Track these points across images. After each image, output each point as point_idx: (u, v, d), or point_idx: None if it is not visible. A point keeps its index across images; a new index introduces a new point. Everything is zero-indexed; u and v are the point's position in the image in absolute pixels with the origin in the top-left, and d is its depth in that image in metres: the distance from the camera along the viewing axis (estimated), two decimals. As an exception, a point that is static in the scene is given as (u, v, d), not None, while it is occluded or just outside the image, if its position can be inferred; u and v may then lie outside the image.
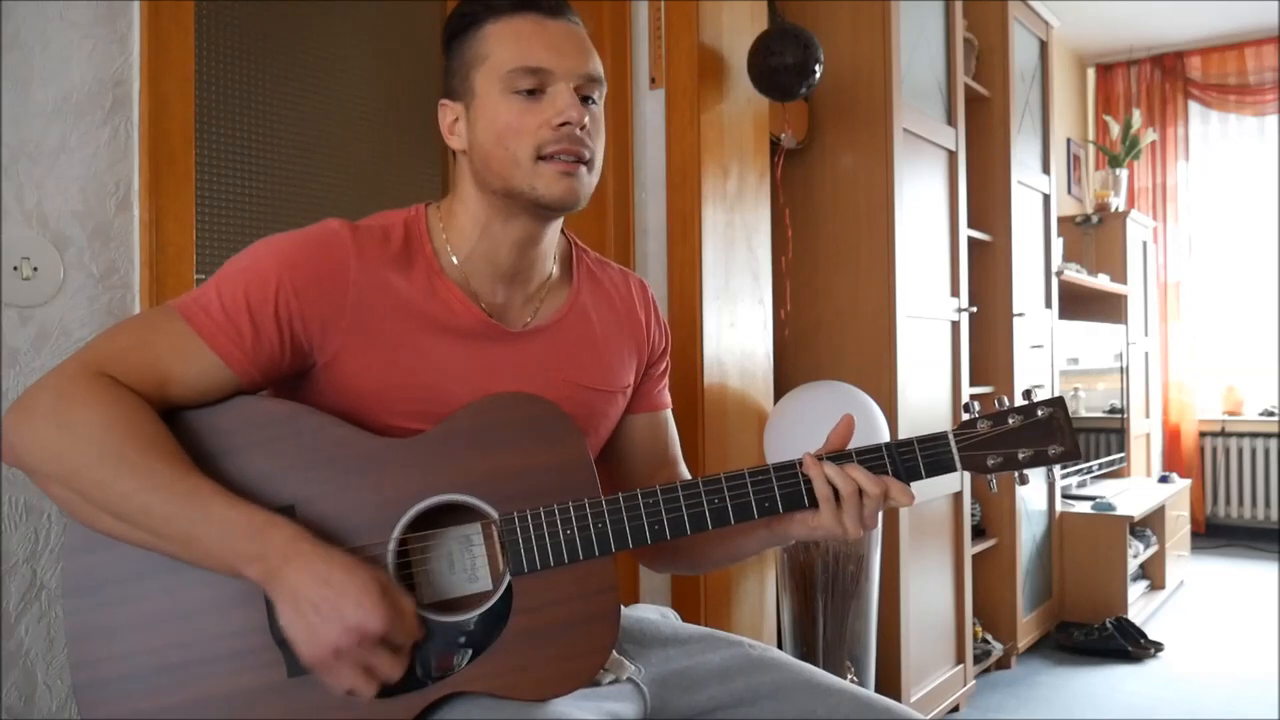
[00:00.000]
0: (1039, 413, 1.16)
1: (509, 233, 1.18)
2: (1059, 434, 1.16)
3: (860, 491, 1.13)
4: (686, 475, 1.37)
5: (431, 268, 1.17)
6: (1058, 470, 1.21)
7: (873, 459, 1.15)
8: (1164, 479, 5.09)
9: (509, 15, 1.14)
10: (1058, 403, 1.17)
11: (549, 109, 1.12)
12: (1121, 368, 4.91)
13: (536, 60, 1.12)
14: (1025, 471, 1.17)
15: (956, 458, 1.15)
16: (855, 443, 1.18)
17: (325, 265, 1.11)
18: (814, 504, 1.14)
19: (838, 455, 1.15)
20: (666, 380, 1.38)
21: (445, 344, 1.15)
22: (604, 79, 1.18)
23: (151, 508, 0.98)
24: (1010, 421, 1.16)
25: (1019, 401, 1.17)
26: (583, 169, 1.14)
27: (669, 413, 1.39)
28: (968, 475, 1.18)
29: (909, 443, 1.15)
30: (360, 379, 1.12)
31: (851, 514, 1.13)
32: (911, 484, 1.16)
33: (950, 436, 1.16)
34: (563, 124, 1.11)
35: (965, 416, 1.17)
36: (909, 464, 1.15)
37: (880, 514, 1.17)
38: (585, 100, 1.15)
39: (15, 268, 1.38)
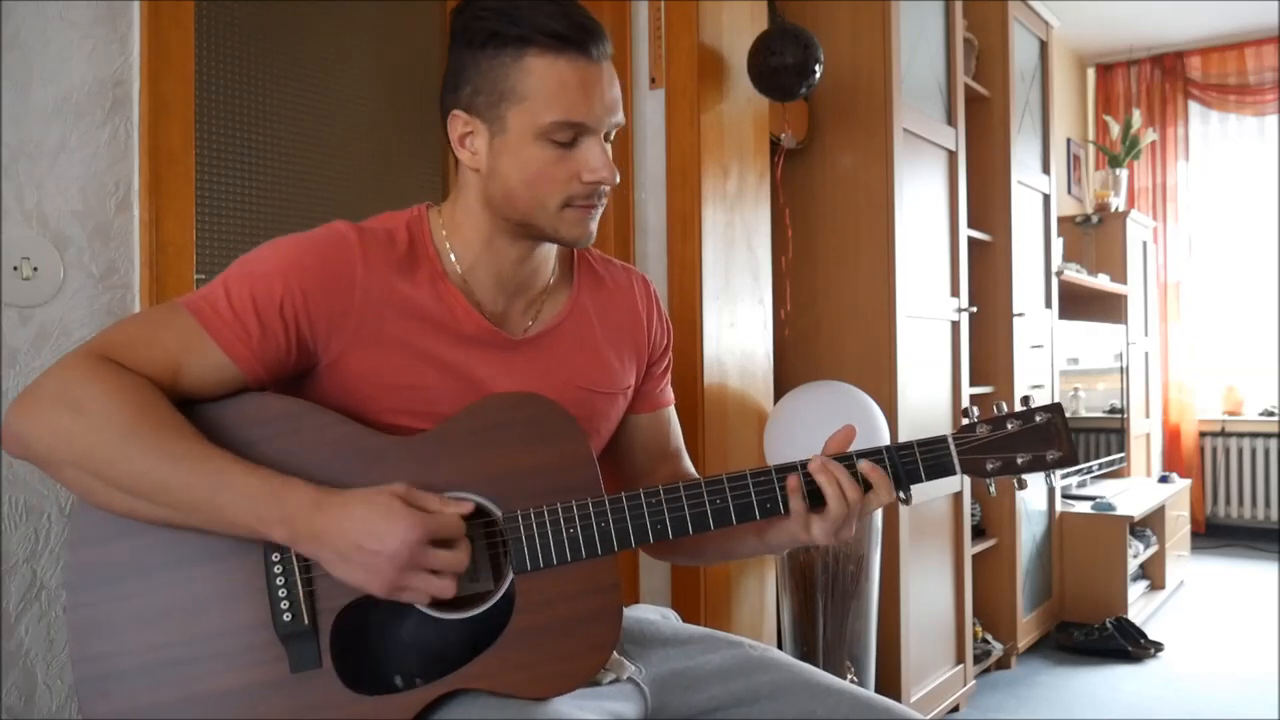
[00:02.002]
0: (1037, 418, 1.17)
1: (513, 249, 1.19)
2: (1057, 439, 1.17)
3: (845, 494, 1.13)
4: (690, 466, 1.39)
5: (435, 272, 1.17)
6: (1056, 476, 1.21)
7: (873, 461, 1.15)
8: (1164, 479, 5.09)
9: (554, 53, 1.11)
10: (1055, 408, 1.18)
11: (580, 162, 1.13)
12: (1121, 368, 4.91)
13: (579, 116, 1.11)
14: (1023, 476, 1.18)
15: (956, 461, 1.16)
16: (855, 444, 1.19)
17: (332, 268, 1.11)
18: (815, 505, 1.15)
19: (839, 458, 1.16)
20: (669, 376, 1.39)
21: (448, 349, 1.16)
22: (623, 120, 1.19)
23: (169, 480, 0.99)
24: (1009, 426, 1.17)
25: (1017, 407, 1.18)
26: (599, 208, 1.18)
27: (672, 408, 1.39)
28: (968, 476, 1.19)
29: (909, 445, 1.16)
30: (364, 380, 1.13)
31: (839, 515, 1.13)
32: (911, 486, 1.16)
33: (950, 440, 1.16)
34: (595, 180, 1.13)
35: (964, 421, 1.18)
36: (909, 466, 1.16)
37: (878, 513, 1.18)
38: (606, 140, 1.16)
39: (15, 268, 1.38)
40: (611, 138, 1.18)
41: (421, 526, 1.00)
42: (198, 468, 1.00)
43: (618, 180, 1.16)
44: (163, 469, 0.99)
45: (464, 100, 1.15)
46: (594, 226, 1.18)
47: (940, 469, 1.16)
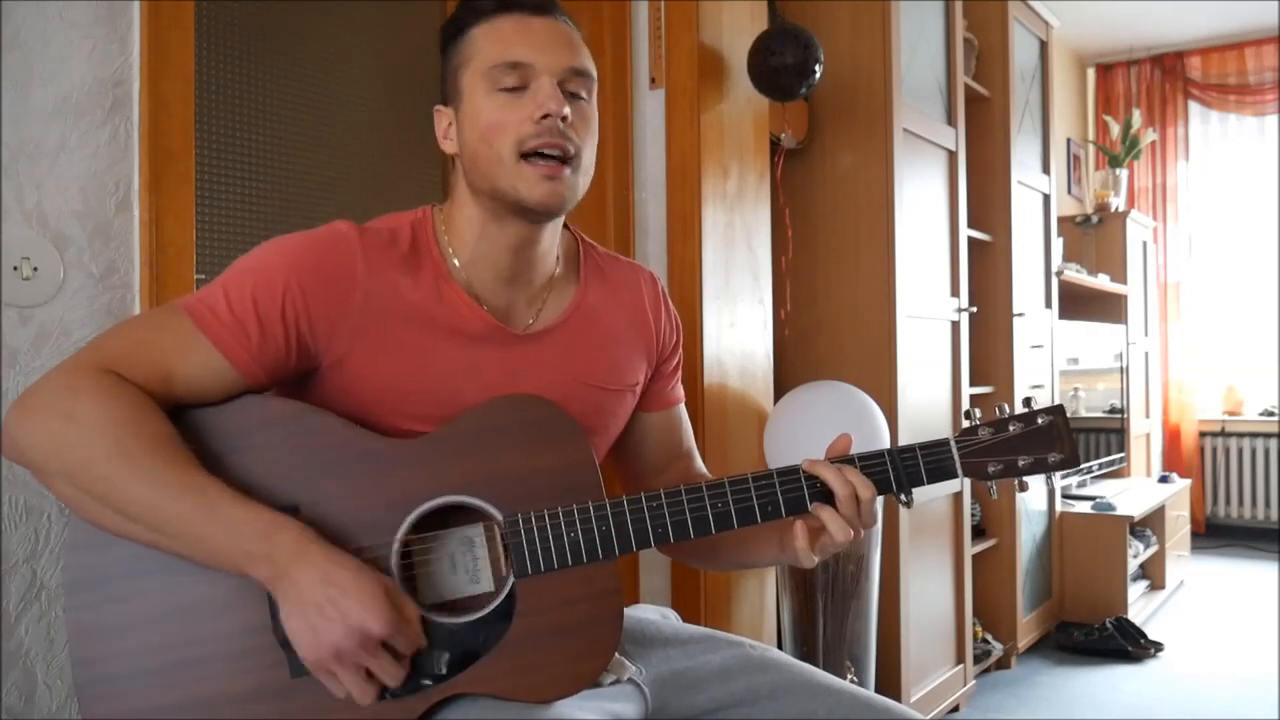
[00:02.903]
0: (1039, 420, 1.17)
1: (505, 236, 1.18)
2: (1059, 441, 1.16)
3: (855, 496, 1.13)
4: (701, 466, 1.38)
5: (438, 271, 1.17)
6: (1057, 478, 1.21)
7: (875, 464, 1.15)
8: (1164, 479, 5.09)
9: (494, 17, 1.15)
10: (1057, 410, 1.17)
11: (530, 103, 1.12)
12: (1121, 368, 4.91)
13: (517, 55, 1.12)
14: (1025, 478, 1.17)
15: (958, 464, 1.16)
16: (854, 447, 1.18)
17: (332, 267, 1.11)
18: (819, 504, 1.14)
19: (841, 460, 1.15)
20: (679, 374, 1.38)
21: (452, 347, 1.15)
22: (593, 74, 1.18)
23: (158, 505, 0.98)
24: (1011, 429, 1.17)
25: (1019, 409, 1.18)
26: (566, 170, 1.13)
27: (682, 406, 1.39)
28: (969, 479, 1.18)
29: (911, 449, 1.16)
30: (366, 381, 1.12)
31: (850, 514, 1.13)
32: (913, 489, 1.16)
33: (952, 443, 1.16)
34: (544, 116, 1.11)
35: (966, 424, 1.18)
36: (911, 470, 1.15)
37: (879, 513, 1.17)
38: (573, 96, 1.15)
39: (15, 268, 1.38)
40: (586, 97, 1.16)
41: (390, 626, 0.98)
42: (188, 496, 0.98)
43: (569, 115, 1.11)
44: (153, 492, 0.98)
45: (441, 96, 1.20)
46: (563, 191, 1.13)
47: (942, 472, 1.16)
